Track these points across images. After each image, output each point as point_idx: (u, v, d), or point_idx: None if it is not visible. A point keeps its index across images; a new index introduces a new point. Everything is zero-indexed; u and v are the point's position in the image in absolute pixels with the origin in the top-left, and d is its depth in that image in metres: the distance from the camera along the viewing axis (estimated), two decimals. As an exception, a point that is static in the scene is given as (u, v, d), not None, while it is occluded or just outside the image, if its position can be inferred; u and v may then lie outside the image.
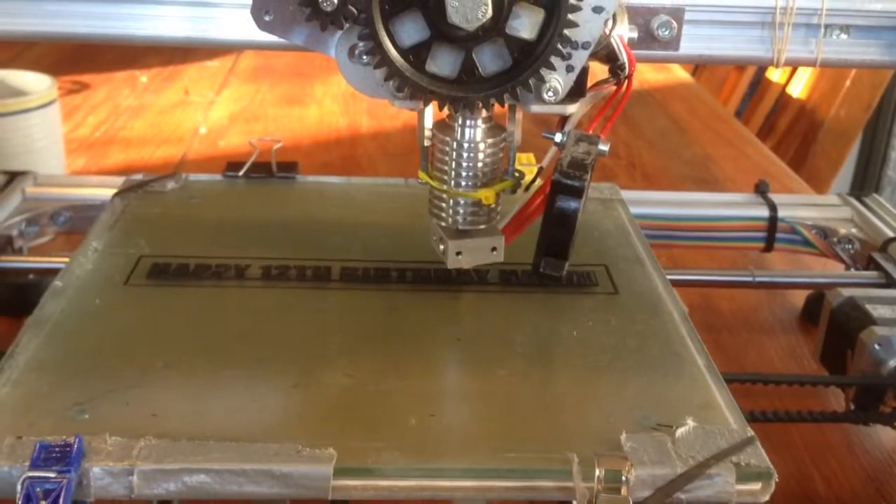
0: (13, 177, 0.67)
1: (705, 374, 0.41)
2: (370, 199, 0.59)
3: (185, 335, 0.44)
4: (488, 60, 0.40)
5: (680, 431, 0.36)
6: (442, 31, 0.39)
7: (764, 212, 0.68)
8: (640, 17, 0.48)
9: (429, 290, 0.48)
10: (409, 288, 0.48)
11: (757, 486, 0.35)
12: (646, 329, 0.45)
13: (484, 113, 0.43)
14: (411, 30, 0.40)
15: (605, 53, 0.44)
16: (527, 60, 0.40)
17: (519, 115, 0.45)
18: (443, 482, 0.35)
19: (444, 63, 0.40)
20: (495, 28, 0.39)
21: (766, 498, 0.35)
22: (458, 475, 0.35)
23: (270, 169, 0.60)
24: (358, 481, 0.34)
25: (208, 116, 1.08)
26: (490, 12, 0.38)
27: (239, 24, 0.51)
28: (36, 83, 0.82)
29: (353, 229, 0.54)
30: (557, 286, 0.48)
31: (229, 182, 0.60)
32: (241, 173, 0.60)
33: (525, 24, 0.39)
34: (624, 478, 0.34)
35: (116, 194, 0.57)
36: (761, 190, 0.70)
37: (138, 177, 0.59)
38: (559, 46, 0.40)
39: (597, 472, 0.34)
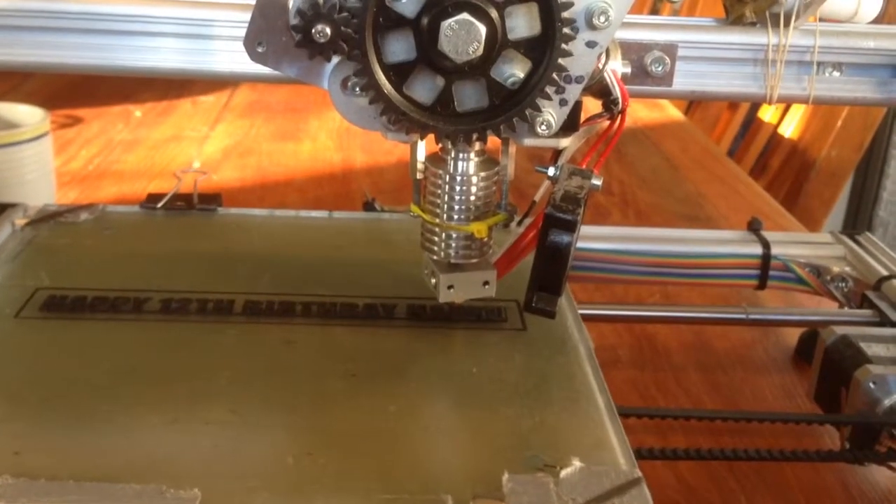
0: (3, 209, 0.66)
1: (602, 413, 0.40)
2: (290, 232, 0.58)
3: (68, 370, 0.42)
4: (466, 97, 0.40)
5: (565, 472, 0.35)
6: (429, 57, 0.39)
7: (757, 249, 0.67)
8: (634, 53, 0.48)
9: (332, 324, 0.47)
10: (313, 322, 0.47)
11: None
12: (549, 366, 0.44)
13: (477, 146, 0.43)
14: (398, 48, 0.39)
15: (599, 88, 0.44)
16: (504, 105, 0.40)
17: (512, 148, 0.45)
18: None
19: (422, 89, 0.40)
20: (481, 68, 0.39)
21: None
22: None
23: (192, 201, 0.59)
24: None
25: (202, 151, 1.09)
26: (481, 51, 0.39)
27: (233, 57, 0.51)
28: (29, 116, 0.82)
29: (264, 262, 0.53)
30: (466, 322, 0.47)
31: (147, 214, 0.59)
32: (159, 205, 0.59)
33: (510, 72, 0.40)
34: None
35: (27, 224, 0.55)
36: (754, 227, 0.70)
37: (53, 206, 0.57)
38: (537, 101, 0.40)
39: None
